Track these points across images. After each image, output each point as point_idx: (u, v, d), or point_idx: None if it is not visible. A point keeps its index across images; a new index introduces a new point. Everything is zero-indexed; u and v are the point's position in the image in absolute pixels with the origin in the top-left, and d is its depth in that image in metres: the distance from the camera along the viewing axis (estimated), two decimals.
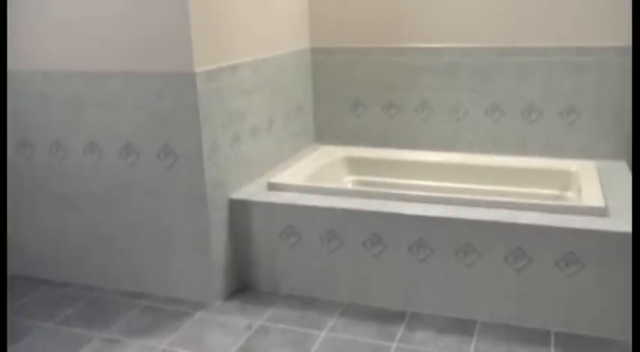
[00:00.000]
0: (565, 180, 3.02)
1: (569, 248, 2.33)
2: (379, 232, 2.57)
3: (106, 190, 2.75)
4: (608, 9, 2.97)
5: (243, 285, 2.86)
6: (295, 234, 2.70)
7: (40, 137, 2.79)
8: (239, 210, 2.76)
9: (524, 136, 3.24)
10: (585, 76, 3.07)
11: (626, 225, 2.30)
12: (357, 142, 3.55)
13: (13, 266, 3.02)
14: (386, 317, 2.57)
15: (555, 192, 3.03)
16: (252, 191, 2.84)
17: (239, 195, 2.79)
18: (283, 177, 2.95)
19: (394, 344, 2.37)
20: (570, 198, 2.94)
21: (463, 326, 2.48)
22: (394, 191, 2.74)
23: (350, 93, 3.50)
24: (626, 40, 2.93)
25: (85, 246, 2.87)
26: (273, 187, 2.84)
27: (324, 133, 3.63)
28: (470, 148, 3.34)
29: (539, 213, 2.44)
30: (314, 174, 3.09)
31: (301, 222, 2.68)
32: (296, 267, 2.74)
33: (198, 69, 2.48)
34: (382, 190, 2.76)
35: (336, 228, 2.63)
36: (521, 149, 3.25)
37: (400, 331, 2.46)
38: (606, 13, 2.97)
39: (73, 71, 2.64)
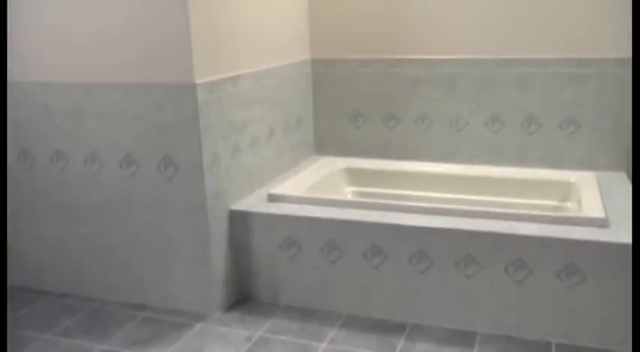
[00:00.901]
0: (565, 191, 3.02)
1: (570, 259, 2.33)
2: (379, 243, 2.56)
3: (106, 201, 2.75)
4: (607, 21, 2.98)
5: (243, 296, 2.86)
6: (295, 245, 2.70)
7: (41, 147, 2.80)
8: (239, 221, 2.76)
9: (524, 147, 3.24)
10: (585, 87, 3.08)
11: (626, 236, 2.30)
12: (357, 153, 3.56)
13: (12, 277, 3.01)
14: (386, 328, 2.56)
15: (555, 203, 3.03)
16: (252, 202, 2.84)
17: (239, 206, 2.79)
18: (283, 188, 2.95)
19: None
20: (570, 209, 2.94)
21: (463, 338, 2.47)
22: (394, 202, 2.74)
23: (350, 104, 3.51)
24: (626, 51, 2.94)
25: (85, 257, 2.87)
26: (273, 198, 2.84)
27: (325, 144, 3.63)
28: (470, 159, 3.34)
29: (539, 224, 2.44)
30: (314, 186, 3.10)
31: (301, 233, 2.67)
32: (296, 278, 2.74)
33: (199, 80, 2.49)
34: (382, 201, 2.76)
35: (336, 239, 2.62)
36: (521, 160, 3.25)
37: (401, 342, 2.46)
38: (606, 25, 2.99)
39: (73, 82, 2.65)
